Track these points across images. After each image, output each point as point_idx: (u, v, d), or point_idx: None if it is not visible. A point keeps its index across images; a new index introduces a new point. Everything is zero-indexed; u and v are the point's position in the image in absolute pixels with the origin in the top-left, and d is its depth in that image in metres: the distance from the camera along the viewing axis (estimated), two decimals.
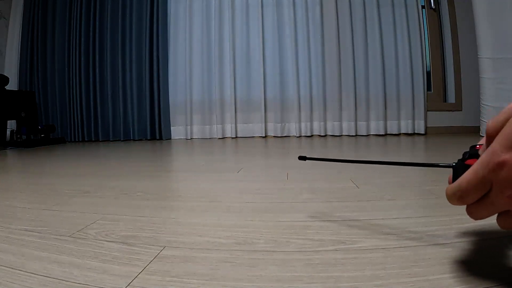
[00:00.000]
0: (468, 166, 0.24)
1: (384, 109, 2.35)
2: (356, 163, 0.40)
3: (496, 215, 0.24)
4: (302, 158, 0.44)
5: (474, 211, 0.24)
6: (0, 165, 1.26)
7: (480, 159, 0.23)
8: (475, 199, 0.23)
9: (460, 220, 0.42)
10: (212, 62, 2.46)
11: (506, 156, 0.21)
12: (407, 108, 2.34)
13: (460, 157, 0.27)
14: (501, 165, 0.21)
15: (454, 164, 0.27)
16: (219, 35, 2.44)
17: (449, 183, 0.28)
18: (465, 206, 0.25)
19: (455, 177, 0.27)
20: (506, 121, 0.22)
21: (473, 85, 2.25)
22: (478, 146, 0.26)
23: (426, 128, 2.37)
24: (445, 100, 2.50)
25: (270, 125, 2.44)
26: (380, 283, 0.27)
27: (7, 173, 1.04)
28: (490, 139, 0.23)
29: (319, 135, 2.39)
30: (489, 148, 0.22)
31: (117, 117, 2.56)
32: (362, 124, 2.37)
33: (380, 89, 2.34)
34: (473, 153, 0.26)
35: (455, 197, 0.24)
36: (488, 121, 0.24)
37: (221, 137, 2.44)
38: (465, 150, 0.27)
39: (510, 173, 0.20)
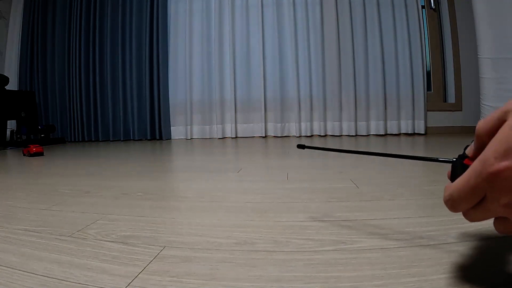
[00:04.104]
0: (467, 166, 0.23)
1: (384, 109, 2.35)
2: (356, 154, 0.39)
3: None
4: (301, 146, 0.44)
5: (468, 214, 0.24)
6: (0, 165, 1.26)
7: (471, 167, 0.22)
8: (468, 207, 0.23)
9: (460, 220, 0.42)
10: (212, 62, 2.46)
11: (499, 165, 0.20)
12: (407, 108, 2.34)
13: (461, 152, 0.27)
14: (494, 175, 0.20)
15: (454, 159, 0.27)
16: (219, 35, 2.43)
17: (448, 177, 0.28)
18: None
19: (453, 174, 0.27)
20: (497, 122, 0.21)
21: (473, 85, 2.25)
22: None
23: (426, 128, 2.37)
24: (445, 100, 2.50)
25: (270, 125, 2.44)
26: (380, 283, 0.27)
27: (7, 173, 1.04)
28: (480, 139, 0.23)
29: (319, 135, 2.39)
30: (481, 155, 0.21)
31: (117, 117, 2.56)
32: (362, 124, 2.37)
33: (380, 89, 2.34)
34: None
35: (448, 206, 0.24)
36: (479, 121, 0.23)
37: (221, 137, 2.44)
38: (467, 144, 0.27)
39: (505, 183, 0.20)
